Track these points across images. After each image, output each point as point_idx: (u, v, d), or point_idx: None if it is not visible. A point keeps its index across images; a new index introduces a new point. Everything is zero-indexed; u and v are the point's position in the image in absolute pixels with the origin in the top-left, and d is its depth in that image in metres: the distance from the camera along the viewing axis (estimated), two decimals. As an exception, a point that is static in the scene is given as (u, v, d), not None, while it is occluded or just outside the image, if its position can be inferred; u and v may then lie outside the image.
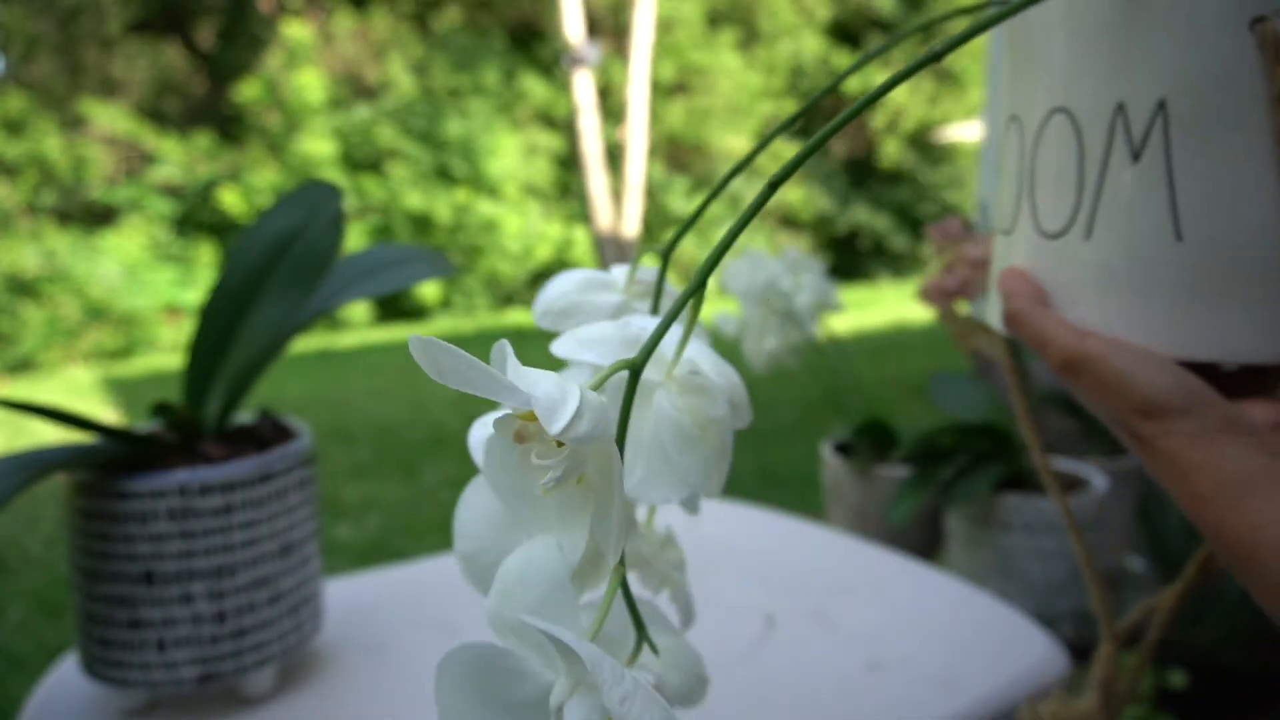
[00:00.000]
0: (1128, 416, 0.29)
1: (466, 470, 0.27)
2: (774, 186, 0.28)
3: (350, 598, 0.69)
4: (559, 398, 0.22)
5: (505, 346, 0.23)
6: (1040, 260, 0.32)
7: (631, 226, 7.80)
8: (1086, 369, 0.29)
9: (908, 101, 10.87)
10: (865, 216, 11.25)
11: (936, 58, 0.29)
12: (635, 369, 0.25)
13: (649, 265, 0.33)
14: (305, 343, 7.16)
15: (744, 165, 0.35)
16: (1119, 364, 0.29)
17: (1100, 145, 0.30)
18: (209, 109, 10.26)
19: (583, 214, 9.05)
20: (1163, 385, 0.28)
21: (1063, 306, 0.32)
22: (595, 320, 0.30)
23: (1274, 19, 0.27)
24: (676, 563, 0.33)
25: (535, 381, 0.23)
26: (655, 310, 0.32)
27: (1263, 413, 0.28)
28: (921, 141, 11.24)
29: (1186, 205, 0.29)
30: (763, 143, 0.34)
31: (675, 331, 0.27)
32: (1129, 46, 0.29)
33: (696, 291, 0.27)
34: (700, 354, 0.29)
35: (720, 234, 0.32)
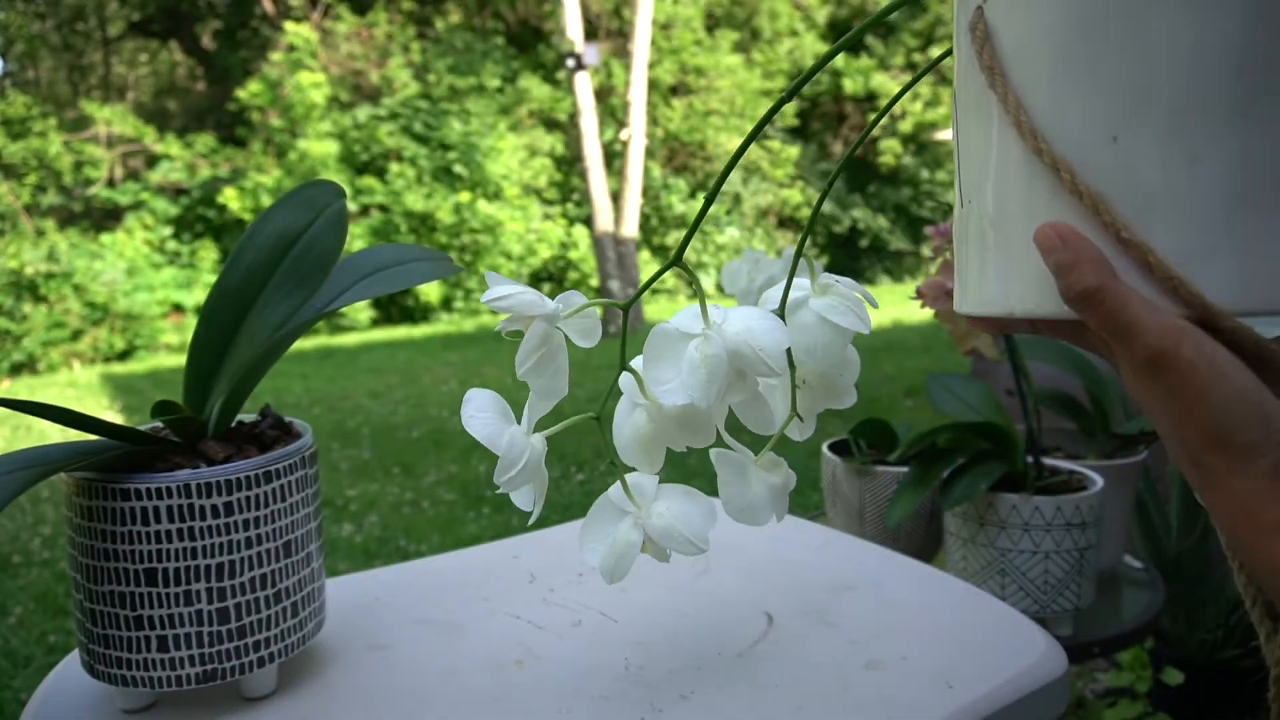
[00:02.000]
0: (1195, 441, 0.25)
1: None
2: (789, 95, 0.39)
3: (352, 597, 0.69)
4: (503, 293, 0.41)
5: (492, 275, 0.42)
6: None
7: (631, 227, 7.80)
8: (1172, 375, 0.25)
9: (907, 102, 10.86)
10: (864, 216, 11.24)
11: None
12: (677, 263, 0.44)
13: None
14: (307, 342, 7.17)
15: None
16: (1206, 377, 0.24)
17: None
18: (211, 110, 10.26)
19: (583, 214, 9.05)
20: (1240, 414, 0.24)
21: None
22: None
23: (986, 8, 0.29)
24: (771, 463, 0.46)
25: (501, 286, 0.41)
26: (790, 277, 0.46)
27: None
28: (920, 142, 11.23)
29: (962, 172, 0.32)
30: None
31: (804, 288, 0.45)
32: None
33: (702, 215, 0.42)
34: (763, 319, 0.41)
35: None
